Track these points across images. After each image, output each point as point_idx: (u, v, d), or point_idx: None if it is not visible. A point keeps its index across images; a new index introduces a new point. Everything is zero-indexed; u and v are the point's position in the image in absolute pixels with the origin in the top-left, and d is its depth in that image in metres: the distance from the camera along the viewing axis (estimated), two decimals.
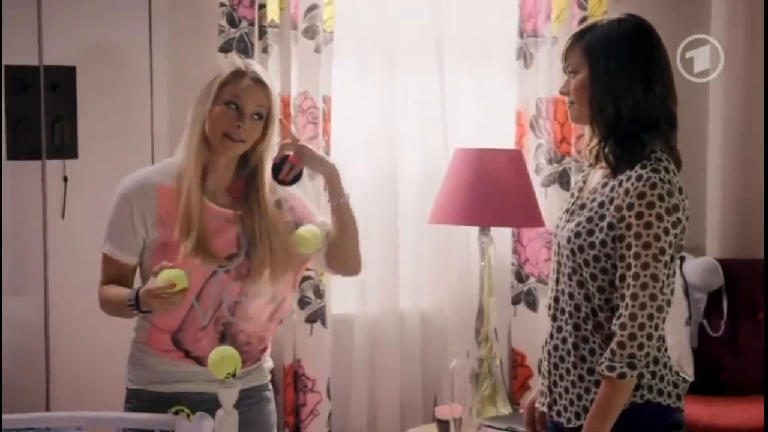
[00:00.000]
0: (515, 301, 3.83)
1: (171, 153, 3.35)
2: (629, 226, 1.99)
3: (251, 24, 3.39)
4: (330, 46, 3.51)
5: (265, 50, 3.40)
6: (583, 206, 2.13)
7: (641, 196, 1.99)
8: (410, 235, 3.76)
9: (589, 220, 2.07)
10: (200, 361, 2.28)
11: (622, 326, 1.98)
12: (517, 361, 3.84)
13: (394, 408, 3.69)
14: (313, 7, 3.45)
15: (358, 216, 3.63)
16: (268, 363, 2.51)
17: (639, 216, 1.98)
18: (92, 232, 3.31)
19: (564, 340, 2.14)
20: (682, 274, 3.78)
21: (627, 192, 2.00)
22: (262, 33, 3.39)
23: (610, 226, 2.03)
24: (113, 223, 2.37)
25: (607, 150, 2.09)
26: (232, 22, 3.39)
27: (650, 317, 1.97)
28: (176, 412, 2.14)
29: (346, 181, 3.60)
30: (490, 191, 3.29)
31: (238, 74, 2.32)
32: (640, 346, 1.97)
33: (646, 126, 2.08)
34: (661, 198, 1.99)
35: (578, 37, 2.15)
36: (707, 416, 3.46)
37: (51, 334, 3.24)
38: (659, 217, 1.98)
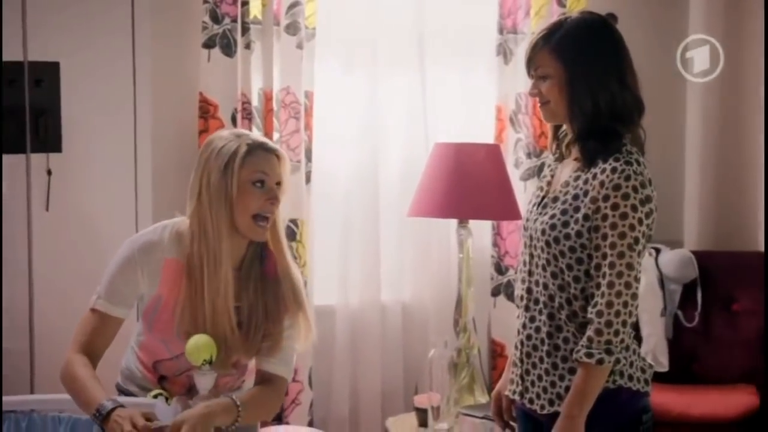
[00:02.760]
0: (495, 292, 3.89)
1: (153, 148, 3.45)
2: (605, 217, 2.05)
3: (234, 20, 3.44)
4: (312, 43, 3.56)
5: (247, 46, 3.45)
6: (555, 199, 2.17)
7: (617, 187, 2.04)
8: (392, 228, 3.81)
9: (564, 212, 2.13)
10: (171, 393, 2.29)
11: (599, 314, 2.03)
12: (496, 351, 3.90)
13: (375, 397, 3.75)
14: (295, 4, 3.49)
15: (341, 210, 3.72)
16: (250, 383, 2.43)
17: (614, 207, 2.04)
18: (76, 224, 3.38)
19: (538, 330, 2.19)
20: (657, 266, 3.84)
21: (602, 184, 2.06)
22: (245, 29, 3.44)
23: (586, 218, 2.08)
24: (113, 281, 2.25)
25: (584, 145, 2.14)
26: (215, 19, 3.43)
27: (625, 305, 2.03)
28: (155, 396, 2.18)
29: (328, 174, 3.73)
30: (469, 185, 3.33)
31: (253, 150, 2.21)
32: (616, 333, 2.03)
33: (622, 118, 2.13)
34: (635, 189, 2.04)
35: (545, 41, 2.16)
36: (681, 405, 3.51)
37: (35, 324, 3.28)
38: (634, 208, 2.04)
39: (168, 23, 3.48)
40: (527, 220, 2.27)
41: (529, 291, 2.22)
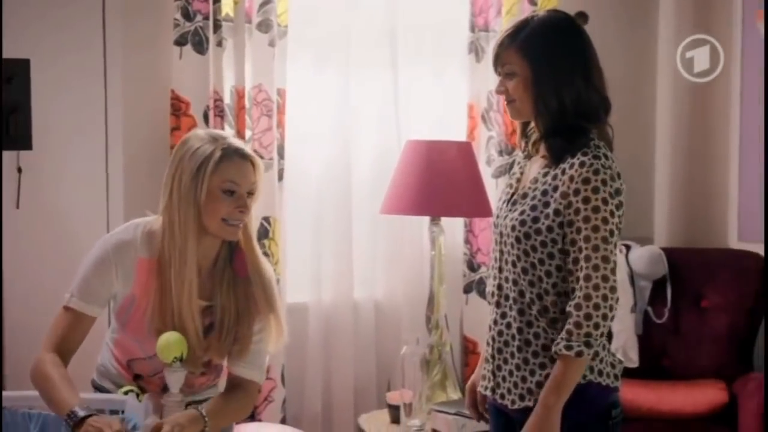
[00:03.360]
0: (467, 289, 3.91)
1: (124, 146, 3.43)
2: (577, 211, 2.07)
3: (206, 18, 3.44)
4: (284, 40, 3.56)
5: (219, 44, 3.44)
6: (525, 195, 2.19)
7: (586, 181, 2.06)
8: (364, 226, 3.82)
9: (533, 207, 2.14)
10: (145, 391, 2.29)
11: (578, 307, 2.05)
12: (469, 348, 3.92)
13: (348, 394, 3.75)
14: (267, 2, 3.49)
15: (314, 207, 3.72)
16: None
17: (586, 201, 2.06)
18: (46, 221, 3.36)
19: (508, 325, 2.21)
20: (627, 263, 3.87)
21: (572, 179, 2.08)
22: (217, 27, 3.43)
23: (556, 212, 2.10)
24: (87, 279, 2.25)
25: (550, 142, 2.16)
26: (187, 16, 3.43)
27: (604, 298, 2.05)
28: (126, 392, 2.18)
29: (300, 172, 3.73)
30: (440, 182, 3.35)
31: (227, 156, 2.20)
32: (596, 326, 2.05)
33: (588, 115, 2.15)
34: (604, 183, 2.06)
35: (511, 39, 2.18)
36: (651, 400, 3.55)
37: (5, 321, 3.26)
38: (605, 201, 2.06)
39: (140, 20, 3.47)
40: (497, 216, 2.29)
41: (499, 287, 2.24)
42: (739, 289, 3.82)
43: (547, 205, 2.12)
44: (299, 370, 3.69)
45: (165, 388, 2.25)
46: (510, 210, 2.22)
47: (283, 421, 3.60)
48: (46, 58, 3.30)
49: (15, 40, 3.24)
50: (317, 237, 3.76)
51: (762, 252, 3.77)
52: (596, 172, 2.07)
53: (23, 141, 3.28)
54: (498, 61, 2.21)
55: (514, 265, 2.18)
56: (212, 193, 2.18)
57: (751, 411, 3.43)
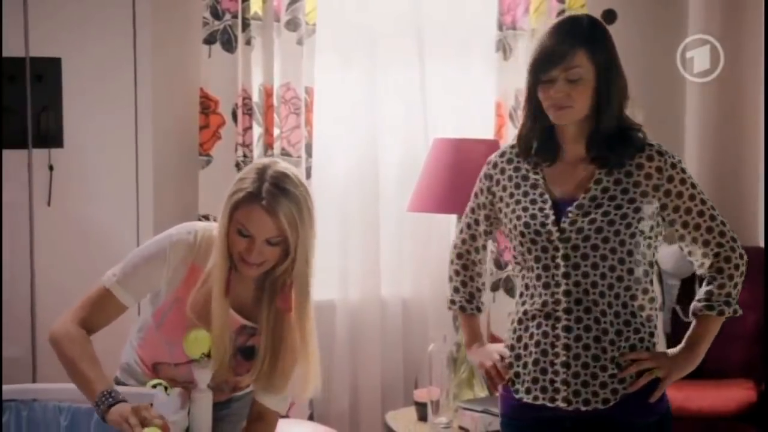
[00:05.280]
0: (494, 287, 3.90)
1: (154, 144, 3.46)
2: (680, 194, 2.14)
3: (234, 16, 3.46)
4: (312, 39, 3.58)
5: (248, 42, 3.46)
6: (593, 198, 2.14)
7: (674, 166, 2.14)
8: (391, 224, 3.83)
9: (618, 207, 2.12)
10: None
11: (719, 270, 2.20)
12: None
13: (375, 392, 3.77)
14: (295, 0, 3.51)
15: (341, 205, 3.73)
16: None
17: (683, 182, 2.15)
18: (77, 218, 3.40)
19: (588, 329, 2.14)
20: (656, 261, 3.86)
21: (660, 170, 2.13)
22: (246, 25, 3.45)
23: (648, 206, 2.12)
24: (136, 269, 2.21)
25: (611, 146, 2.14)
26: (216, 15, 3.45)
27: (741, 256, 2.21)
28: (154, 386, 2.18)
29: (328, 170, 3.74)
30: (467, 180, 3.29)
31: (250, 199, 2.08)
32: (735, 285, 2.23)
33: (628, 117, 2.18)
34: (684, 170, 2.17)
35: (580, 41, 2.11)
36: (679, 399, 3.47)
37: (38, 318, 3.30)
38: (694, 183, 2.17)
39: (169, 19, 3.50)
40: (542, 224, 2.16)
41: (557, 302, 2.15)
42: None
43: (632, 201, 2.12)
44: (326, 368, 3.68)
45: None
46: (567, 221, 2.14)
47: (311, 418, 3.62)
48: (77, 57, 3.34)
49: (46, 39, 3.28)
50: (345, 234, 3.78)
51: None
52: (675, 160, 2.15)
53: (55, 139, 3.33)
54: (562, 63, 2.10)
55: (585, 275, 2.13)
56: (232, 227, 2.11)
57: None
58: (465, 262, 2.41)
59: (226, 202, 2.12)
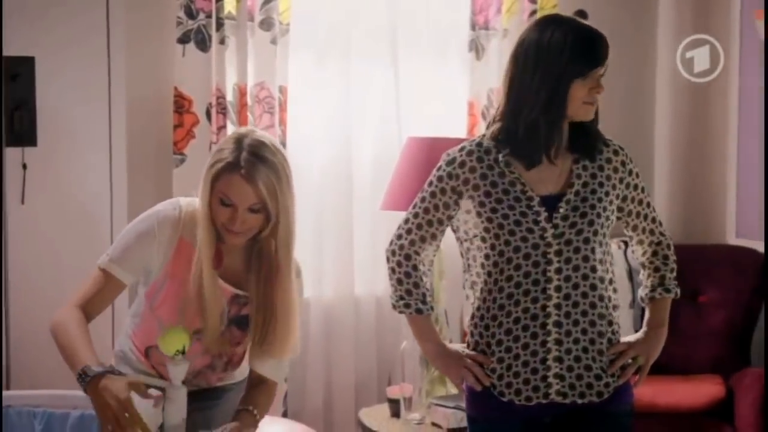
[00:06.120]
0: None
1: (127, 143, 3.46)
2: (636, 186, 2.29)
3: (208, 16, 3.47)
4: (286, 38, 3.60)
5: (222, 42, 3.47)
6: (578, 193, 2.18)
7: (631, 161, 2.29)
8: (365, 222, 3.85)
9: (600, 200, 2.21)
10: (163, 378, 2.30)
11: (666, 258, 2.36)
12: (469, 344, 3.94)
13: (348, 389, 3.79)
14: (269, 0, 3.52)
15: (315, 204, 3.75)
16: (244, 368, 2.43)
17: (637, 175, 2.30)
18: (51, 217, 3.40)
19: (576, 323, 2.17)
20: (626, 259, 3.90)
21: (623, 163, 2.26)
22: (219, 25, 3.46)
23: (617, 197, 2.24)
24: (128, 247, 2.25)
25: (594, 139, 2.24)
26: (190, 14, 3.46)
27: (673, 250, 2.38)
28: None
29: (302, 168, 3.76)
30: None
31: (229, 168, 2.12)
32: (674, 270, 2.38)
33: None
34: (631, 160, 2.31)
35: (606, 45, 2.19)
36: (649, 395, 3.55)
37: (11, 318, 3.29)
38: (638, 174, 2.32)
39: (143, 18, 3.50)
40: (535, 224, 2.16)
41: (548, 298, 2.17)
42: (736, 285, 3.85)
43: (607, 194, 2.22)
44: (301, 365, 3.72)
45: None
46: (559, 216, 2.16)
47: (285, 416, 3.63)
48: (51, 56, 3.34)
49: (19, 38, 3.27)
50: (319, 233, 3.79)
51: (760, 248, 3.81)
52: (629, 154, 2.29)
53: (28, 137, 3.32)
54: (606, 61, 2.17)
55: (576, 269, 2.16)
56: (214, 197, 2.16)
57: (748, 405, 3.46)
58: (415, 263, 2.31)
59: (205, 173, 2.16)
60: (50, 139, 3.36)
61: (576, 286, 2.17)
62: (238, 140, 2.16)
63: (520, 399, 2.20)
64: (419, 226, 2.30)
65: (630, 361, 2.27)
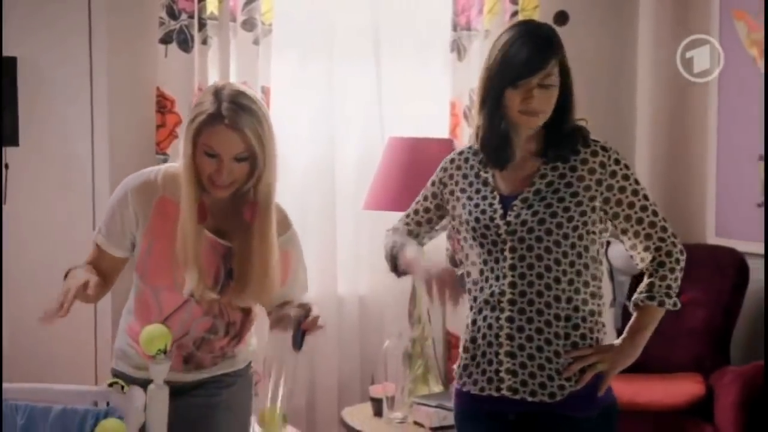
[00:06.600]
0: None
1: (110, 142, 3.46)
2: (623, 189, 2.20)
3: (191, 16, 3.47)
4: (268, 38, 3.60)
5: (204, 42, 3.48)
6: (538, 192, 2.20)
7: (617, 162, 2.20)
8: (348, 222, 3.86)
9: (561, 200, 2.18)
10: None
11: (661, 264, 2.26)
12: (451, 342, 3.96)
13: (331, 388, 3.80)
14: (251, 0, 3.53)
15: (297, 203, 3.76)
16: (245, 351, 2.49)
17: (626, 178, 2.20)
18: (33, 217, 3.40)
19: (521, 329, 2.19)
20: (607, 258, 3.92)
21: (603, 165, 2.19)
22: (202, 25, 3.46)
23: (591, 198, 2.18)
24: (109, 221, 2.31)
25: (563, 143, 2.21)
26: (172, 14, 3.46)
27: (682, 252, 2.28)
28: (110, 385, 2.20)
29: (285, 168, 3.76)
30: (422, 179, 3.33)
31: (212, 119, 2.14)
32: (676, 279, 2.28)
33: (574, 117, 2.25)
34: (627, 165, 2.22)
35: (553, 52, 2.16)
36: (629, 393, 3.55)
37: None
38: (637, 179, 2.22)
39: (125, 19, 3.50)
40: (485, 223, 2.23)
41: (502, 293, 2.21)
42: (715, 284, 3.88)
43: (575, 195, 2.18)
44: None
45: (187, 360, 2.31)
46: (513, 214, 2.20)
47: None
48: (33, 56, 3.33)
49: (1, 38, 3.26)
50: (301, 232, 3.70)
51: (739, 248, 3.84)
52: (618, 156, 2.21)
53: (10, 137, 3.31)
54: (542, 71, 2.14)
55: (530, 267, 2.19)
56: (198, 150, 2.17)
57: (728, 403, 3.49)
58: (410, 229, 2.47)
59: (187, 129, 2.19)
60: (32, 139, 3.36)
61: (531, 284, 2.20)
62: (217, 92, 2.19)
63: (475, 390, 2.27)
64: (416, 212, 2.47)
65: (589, 366, 2.24)
